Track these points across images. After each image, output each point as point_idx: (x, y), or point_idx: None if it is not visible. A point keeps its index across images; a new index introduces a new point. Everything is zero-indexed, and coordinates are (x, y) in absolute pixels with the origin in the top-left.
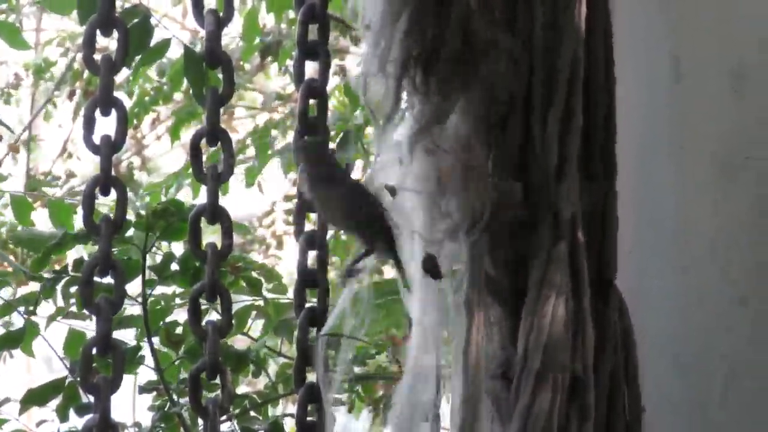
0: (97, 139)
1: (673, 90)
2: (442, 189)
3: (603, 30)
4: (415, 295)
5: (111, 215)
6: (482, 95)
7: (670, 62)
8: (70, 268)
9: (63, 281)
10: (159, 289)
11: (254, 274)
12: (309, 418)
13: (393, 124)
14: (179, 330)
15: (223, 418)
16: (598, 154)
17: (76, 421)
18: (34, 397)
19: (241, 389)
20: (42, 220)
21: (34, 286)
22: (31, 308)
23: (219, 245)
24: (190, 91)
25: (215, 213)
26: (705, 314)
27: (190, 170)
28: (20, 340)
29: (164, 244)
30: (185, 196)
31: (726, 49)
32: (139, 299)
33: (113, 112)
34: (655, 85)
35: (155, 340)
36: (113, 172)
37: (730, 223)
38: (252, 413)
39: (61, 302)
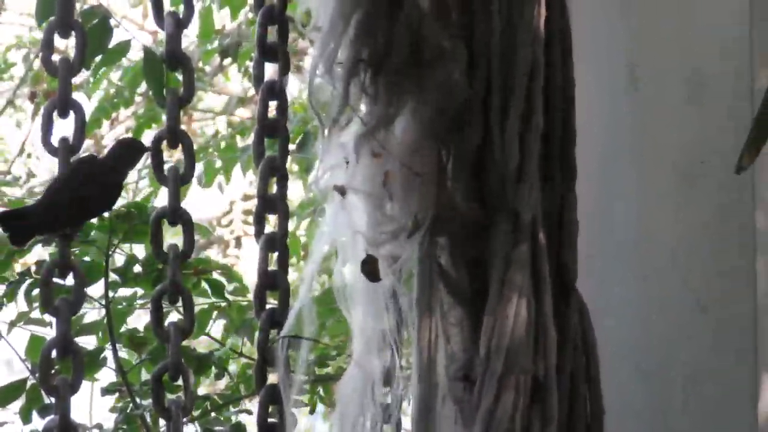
0: (55, 141)
1: (633, 97)
2: (387, 192)
3: (560, 32)
4: (358, 296)
5: None
6: (435, 99)
7: (628, 69)
8: (33, 270)
9: (25, 284)
10: (121, 292)
11: (215, 274)
12: (270, 419)
13: (339, 126)
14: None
15: (186, 419)
16: (556, 156)
17: (40, 422)
18: None
19: (202, 390)
20: None
21: None
22: None
23: (180, 247)
24: (150, 94)
25: (176, 215)
26: (666, 322)
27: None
28: None
29: (127, 246)
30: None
31: (684, 57)
32: (102, 302)
33: (71, 114)
34: (615, 92)
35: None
36: None
37: (690, 230)
38: (213, 414)
39: (23, 304)
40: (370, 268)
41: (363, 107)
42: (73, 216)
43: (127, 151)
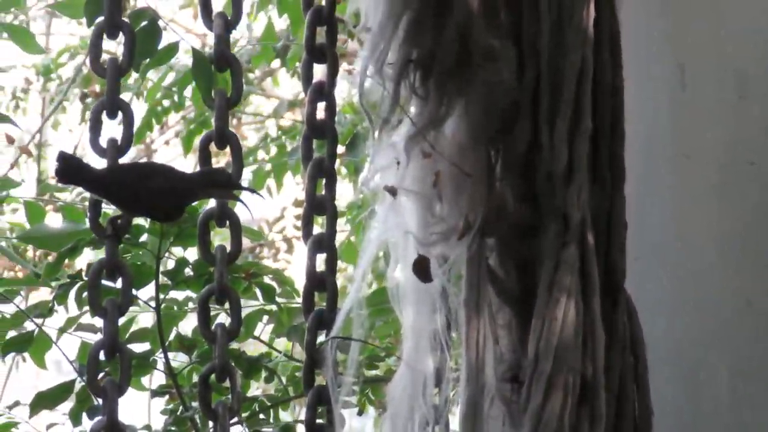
0: (103, 142)
1: (677, 98)
2: (437, 192)
3: (610, 33)
4: (409, 296)
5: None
6: (482, 101)
7: (675, 70)
8: (84, 273)
9: (76, 287)
10: (171, 295)
11: (267, 279)
12: (318, 421)
13: (389, 127)
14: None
15: (233, 420)
16: (605, 157)
17: (89, 424)
18: (44, 400)
19: (252, 392)
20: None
21: (45, 293)
22: (43, 314)
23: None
24: (201, 98)
25: (224, 216)
26: (709, 322)
27: None
28: (29, 343)
29: (178, 249)
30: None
31: (729, 57)
32: (152, 303)
33: (120, 115)
34: (660, 93)
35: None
36: None
37: (733, 230)
38: (261, 416)
39: (73, 307)
40: (421, 268)
41: (413, 108)
42: (130, 198)
43: (210, 177)
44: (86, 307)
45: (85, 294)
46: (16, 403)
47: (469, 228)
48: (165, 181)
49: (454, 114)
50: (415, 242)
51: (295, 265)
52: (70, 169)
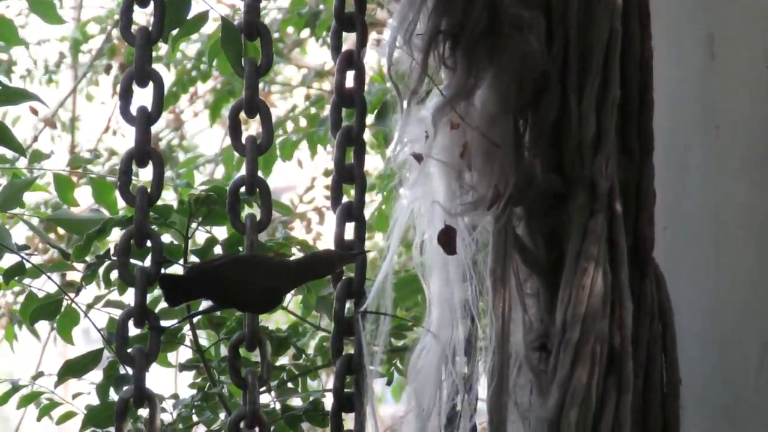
0: (134, 110)
1: (707, 68)
2: (465, 162)
3: (639, 4)
4: (435, 266)
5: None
6: (512, 71)
7: (704, 40)
8: (111, 252)
9: (104, 265)
10: None
11: (295, 250)
12: (346, 390)
13: (418, 98)
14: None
15: (262, 389)
16: (634, 127)
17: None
18: (72, 368)
19: (280, 361)
20: (85, 198)
21: (75, 275)
22: (73, 294)
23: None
24: (229, 69)
25: (253, 184)
26: (739, 293)
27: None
28: (56, 312)
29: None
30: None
31: (758, 27)
32: None
33: (150, 84)
34: (689, 63)
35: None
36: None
37: (763, 200)
38: (290, 385)
39: (102, 286)
40: (446, 240)
41: (442, 78)
42: (228, 294)
43: (313, 266)
44: (114, 287)
45: (112, 273)
46: (40, 374)
47: (498, 197)
48: (269, 280)
49: (483, 84)
50: (442, 212)
51: (328, 236)
52: (172, 291)
